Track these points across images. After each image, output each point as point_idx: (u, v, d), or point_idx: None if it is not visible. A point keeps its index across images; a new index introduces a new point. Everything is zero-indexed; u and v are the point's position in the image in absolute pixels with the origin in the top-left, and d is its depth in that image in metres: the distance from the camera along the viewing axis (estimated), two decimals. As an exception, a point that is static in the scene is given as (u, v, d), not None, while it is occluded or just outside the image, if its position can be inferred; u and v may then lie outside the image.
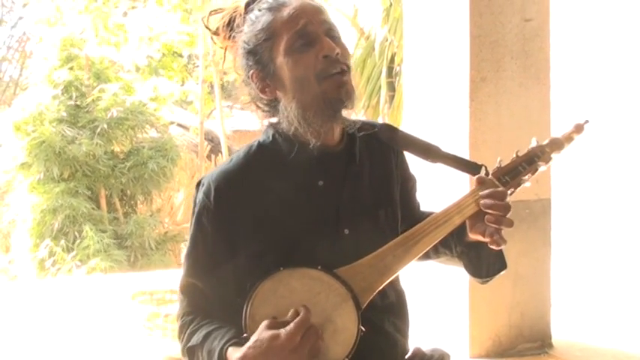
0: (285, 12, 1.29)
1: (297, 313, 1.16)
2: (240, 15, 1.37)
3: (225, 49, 1.43)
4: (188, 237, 1.38)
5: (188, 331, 1.33)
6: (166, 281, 4.09)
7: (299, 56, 1.27)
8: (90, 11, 9.08)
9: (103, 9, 9.18)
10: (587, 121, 1.34)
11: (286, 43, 1.27)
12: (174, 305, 3.45)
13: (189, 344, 1.30)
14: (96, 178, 7.86)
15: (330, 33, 1.30)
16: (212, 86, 11.04)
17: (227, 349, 1.20)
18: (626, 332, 3.43)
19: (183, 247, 9.43)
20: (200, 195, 1.34)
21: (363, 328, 1.20)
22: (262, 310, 1.19)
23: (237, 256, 1.30)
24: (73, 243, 7.47)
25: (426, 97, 3.18)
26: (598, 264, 4.29)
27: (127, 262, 7.60)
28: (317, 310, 1.18)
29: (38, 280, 7.24)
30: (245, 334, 1.19)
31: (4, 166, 7.93)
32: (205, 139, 10.30)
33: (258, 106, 1.38)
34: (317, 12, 1.30)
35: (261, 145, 1.37)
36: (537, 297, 3.08)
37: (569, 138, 1.35)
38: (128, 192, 8.32)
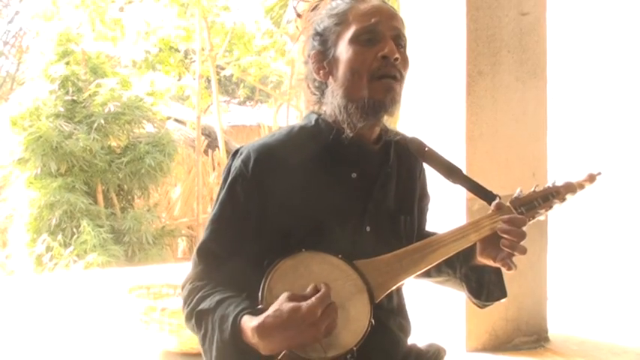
0: (363, 6, 1.34)
1: (316, 289, 1.17)
2: (326, 2, 1.42)
3: (301, 33, 1.49)
4: (215, 203, 1.37)
5: (199, 295, 1.30)
6: (163, 275, 4.09)
7: (360, 49, 1.31)
8: (87, 6, 9.05)
9: (100, 3, 9.14)
10: (599, 173, 1.44)
11: (353, 33, 1.32)
12: (170, 299, 3.45)
13: (200, 307, 1.27)
14: (93, 173, 7.84)
15: (397, 40, 1.33)
16: (209, 81, 11.02)
17: (242, 316, 1.19)
18: (623, 326, 3.44)
19: (181, 242, 9.44)
20: (238, 162, 1.35)
21: (374, 322, 1.22)
22: (280, 285, 1.20)
23: (262, 231, 1.31)
24: (71, 238, 7.45)
25: (423, 91, 3.18)
26: (594, 258, 4.29)
27: (124, 257, 7.59)
28: (332, 294, 1.19)
29: (35, 275, 7.24)
30: (260, 306, 1.18)
31: (1, 162, 7.91)
32: (202, 134, 10.29)
33: (308, 86, 1.42)
34: (392, 17, 1.35)
35: (302, 128, 1.40)
36: (534, 291, 3.09)
37: (581, 186, 1.44)
38: (125, 187, 8.30)
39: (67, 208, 7.42)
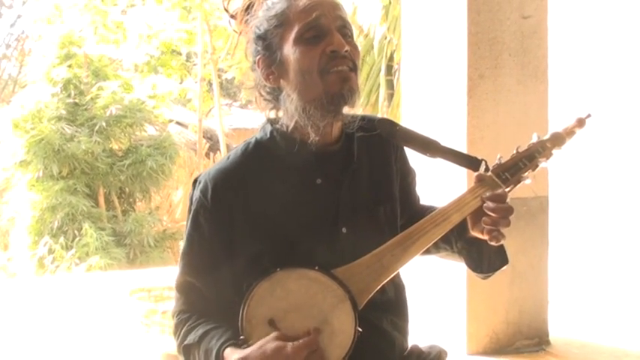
0: (301, 2, 1.28)
1: (307, 333, 1.17)
2: (259, 1, 1.36)
3: (240, 34, 1.43)
4: (184, 235, 1.37)
5: (184, 329, 1.32)
6: (164, 278, 4.09)
7: (307, 48, 1.25)
8: (89, 9, 9.06)
9: (102, 7, 9.16)
10: (589, 115, 1.32)
11: (296, 33, 1.26)
12: (171, 302, 3.45)
13: (186, 342, 1.30)
14: (94, 175, 7.86)
15: (343, 30, 1.28)
16: (211, 84, 11.03)
17: (224, 349, 1.20)
18: (624, 329, 3.43)
19: (182, 245, 9.44)
20: (197, 193, 1.33)
21: (360, 329, 1.20)
22: (259, 311, 1.19)
23: (234, 256, 1.29)
24: (72, 240, 7.47)
25: (424, 94, 3.18)
26: (596, 261, 4.29)
27: (125, 260, 7.60)
28: (314, 311, 1.18)
29: (37, 277, 7.24)
30: (242, 337, 1.19)
31: (3, 164, 7.92)
32: (204, 136, 10.30)
33: (260, 94, 1.36)
34: (333, 7, 1.28)
35: (258, 143, 1.35)
36: (535, 294, 3.08)
37: (570, 132, 1.33)
38: (127, 190, 8.32)
39: (68, 210, 7.43)
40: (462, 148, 2.90)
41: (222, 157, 1.36)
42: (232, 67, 10.47)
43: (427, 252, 1.40)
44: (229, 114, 13.73)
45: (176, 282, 1.38)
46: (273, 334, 1.16)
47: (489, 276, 1.39)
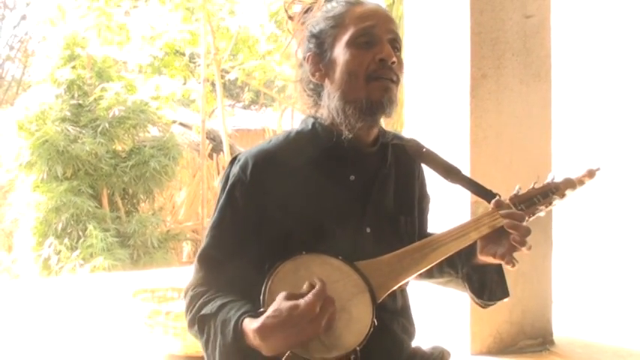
0: (359, 9, 1.35)
1: (312, 286, 1.16)
2: (319, 6, 1.43)
3: (293, 35, 1.48)
4: (215, 210, 1.38)
5: (200, 301, 1.30)
6: (167, 279, 4.10)
7: (357, 51, 1.32)
8: (92, 10, 9.07)
9: (106, 9, 9.17)
10: (598, 169, 1.44)
11: (350, 36, 1.32)
12: (175, 303, 3.46)
13: (202, 312, 1.28)
14: (98, 176, 7.86)
15: (393, 43, 1.34)
16: (214, 85, 11.04)
17: (243, 319, 1.19)
18: (628, 329, 3.42)
19: (185, 246, 9.44)
20: (236, 168, 1.36)
21: (376, 322, 1.21)
22: (281, 287, 1.20)
23: (262, 235, 1.32)
24: (77, 241, 7.47)
25: (427, 93, 3.18)
26: (599, 261, 4.28)
27: (129, 261, 7.61)
28: (334, 297, 1.18)
29: (41, 278, 7.26)
30: (262, 309, 1.18)
31: (7, 166, 7.94)
32: (207, 137, 10.29)
33: (303, 89, 1.43)
34: (388, 20, 1.36)
35: (299, 133, 1.41)
36: (538, 294, 3.08)
37: (580, 181, 1.44)
38: (130, 191, 8.32)
39: (73, 211, 7.44)
40: (465, 147, 2.91)
41: (262, 141, 1.42)
42: (235, 67, 10.48)
43: (430, 275, 1.49)
44: (232, 115, 13.74)
45: (199, 254, 1.38)
46: (283, 293, 1.16)
47: (490, 305, 1.45)
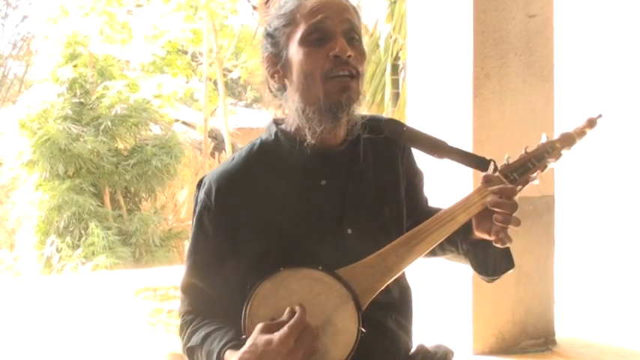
0: (309, 3, 1.27)
1: (293, 313, 1.15)
2: None
3: (257, 27, 1.45)
4: (189, 236, 1.37)
5: (188, 331, 1.33)
6: (170, 277, 4.09)
7: (310, 50, 1.25)
8: (94, 9, 9.08)
9: (109, 9, 9.18)
10: (600, 115, 1.31)
11: (302, 34, 1.26)
12: (177, 301, 3.46)
13: (189, 344, 1.31)
14: (100, 175, 7.87)
15: (350, 34, 1.27)
16: (216, 84, 11.04)
17: (225, 351, 1.20)
18: (630, 329, 3.42)
19: (187, 244, 9.45)
20: (201, 194, 1.33)
21: (364, 330, 1.19)
22: (261, 311, 1.19)
23: (238, 257, 1.29)
24: (79, 240, 7.49)
25: (430, 93, 3.18)
26: (602, 261, 4.28)
27: (131, 259, 7.62)
28: (317, 311, 1.18)
29: (43, 276, 7.27)
30: (244, 336, 1.18)
31: (10, 164, 7.95)
32: (209, 136, 10.31)
33: (270, 90, 1.36)
34: (341, 10, 1.27)
35: (263, 144, 1.35)
36: (541, 294, 3.07)
37: (581, 133, 1.32)
38: (132, 189, 8.33)
39: (75, 210, 7.45)
40: (468, 147, 2.90)
41: (227, 158, 1.35)
42: (238, 66, 10.49)
43: (433, 253, 1.40)
44: (234, 113, 13.73)
45: (181, 283, 1.39)
46: (260, 326, 1.15)
47: (495, 279, 1.38)
